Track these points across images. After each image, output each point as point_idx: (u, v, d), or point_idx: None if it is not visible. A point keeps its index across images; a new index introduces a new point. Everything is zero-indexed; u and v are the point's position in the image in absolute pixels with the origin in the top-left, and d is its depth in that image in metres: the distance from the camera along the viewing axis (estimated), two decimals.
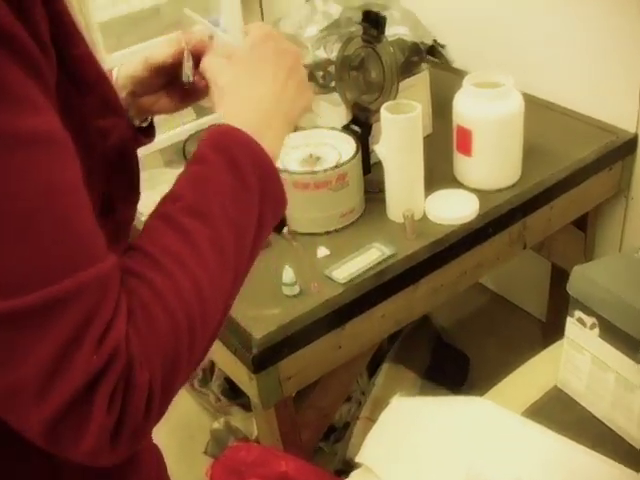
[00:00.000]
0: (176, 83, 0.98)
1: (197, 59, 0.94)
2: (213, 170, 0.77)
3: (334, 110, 1.71)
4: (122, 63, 0.98)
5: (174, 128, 1.85)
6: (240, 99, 0.86)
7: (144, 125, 1.01)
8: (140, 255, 0.70)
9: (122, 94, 0.96)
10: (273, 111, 0.87)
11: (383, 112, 1.50)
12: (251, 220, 0.78)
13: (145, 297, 0.66)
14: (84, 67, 0.71)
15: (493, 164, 1.66)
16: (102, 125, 0.74)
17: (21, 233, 0.58)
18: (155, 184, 1.75)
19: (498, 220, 1.64)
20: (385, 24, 1.54)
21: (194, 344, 0.69)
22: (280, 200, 0.83)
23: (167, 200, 0.76)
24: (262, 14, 2.88)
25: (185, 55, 0.94)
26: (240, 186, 0.77)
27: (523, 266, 2.31)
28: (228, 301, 0.76)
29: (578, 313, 1.23)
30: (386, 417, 1.31)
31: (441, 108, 1.88)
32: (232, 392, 2.21)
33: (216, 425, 2.16)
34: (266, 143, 0.82)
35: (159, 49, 0.97)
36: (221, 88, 0.87)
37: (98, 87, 0.74)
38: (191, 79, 0.95)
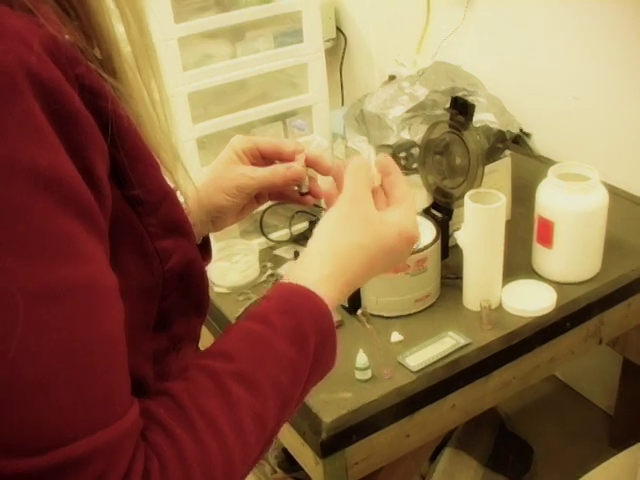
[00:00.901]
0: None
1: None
2: (276, 337, 0.73)
3: (414, 192, 1.71)
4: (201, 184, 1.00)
5: None
6: (344, 271, 0.82)
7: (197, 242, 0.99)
8: (175, 408, 0.65)
9: (201, 216, 0.97)
10: (359, 279, 0.85)
11: (467, 201, 1.49)
12: (299, 389, 0.75)
13: (168, 461, 0.62)
14: (147, 189, 0.69)
15: (573, 257, 1.64)
16: (162, 246, 0.71)
17: (34, 393, 0.55)
18: (230, 254, 1.77)
19: (575, 314, 1.61)
20: (473, 112, 1.54)
21: None
22: (330, 366, 0.81)
23: (217, 356, 0.72)
24: (342, 95, 2.93)
25: (307, 173, 0.98)
26: (300, 359, 0.74)
27: (593, 357, 2.27)
28: (253, 466, 0.73)
29: None
30: None
31: (520, 194, 1.88)
32: (289, 464, 2.19)
33: None
34: (335, 304, 0.80)
35: (248, 173, 0.98)
36: (330, 240, 0.84)
37: (161, 209, 0.71)
38: (307, 190, 0.97)
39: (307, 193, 1.00)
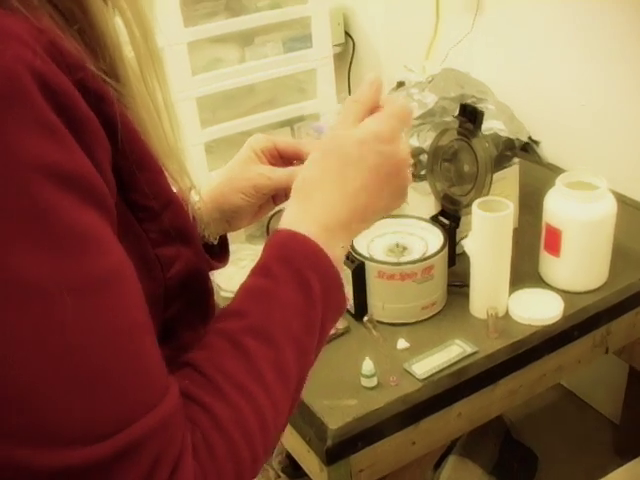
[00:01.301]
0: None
1: None
2: (279, 285, 0.74)
3: (422, 199, 1.71)
4: (211, 184, 1.00)
5: None
6: (322, 198, 0.80)
7: (214, 242, 0.99)
8: (200, 378, 0.67)
9: (215, 214, 0.96)
10: (356, 216, 0.81)
11: (475, 209, 1.49)
12: (314, 335, 0.76)
13: (207, 430, 0.64)
14: (149, 195, 0.69)
15: (581, 266, 1.63)
16: (164, 253, 0.72)
17: (92, 382, 0.57)
18: (237, 259, 1.76)
19: (582, 324, 1.61)
20: (482, 119, 1.54)
21: (255, 470, 0.68)
22: (341, 309, 0.81)
23: (230, 316, 0.73)
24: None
25: None
26: (306, 303, 0.74)
27: (599, 365, 2.26)
28: (287, 419, 0.74)
29: None
30: None
31: (528, 202, 1.87)
32: (293, 469, 2.18)
33: None
34: (337, 252, 0.79)
35: (266, 174, 0.97)
36: (305, 179, 0.82)
37: (164, 215, 0.71)
38: None
39: None
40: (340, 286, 0.79)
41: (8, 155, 0.54)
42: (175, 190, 0.75)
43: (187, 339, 0.77)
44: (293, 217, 0.80)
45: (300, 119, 1.85)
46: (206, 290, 0.80)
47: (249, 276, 0.77)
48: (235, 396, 0.66)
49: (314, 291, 0.75)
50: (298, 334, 0.73)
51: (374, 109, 0.85)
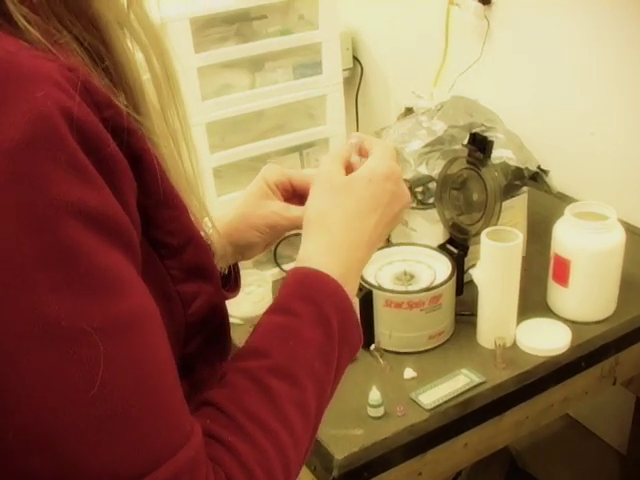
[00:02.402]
0: None
1: None
2: (301, 323, 0.75)
3: (431, 227, 1.71)
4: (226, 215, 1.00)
5: None
6: (343, 235, 0.83)
7: (224, 272, 0.99)
8: (222, 417, 0.67)
9: (225, 249, 0.96)
10: (371, 251, 0.85)
11: (484, 238, 1.49)
12: (332, 372, 0.76)
13: (231, 470, 0.64)
14: (170, 232, 0.70)
15: (589, 296, 1.63)
16: (185, 290, 0.72)
17: (118, 425, 0.57)
18: (243, 285, 1.76)
19: (590, 354, 1.60)
20: (492, 149, 1.54)
21: None
22: (357, 346, 0.81)
23: (251, 355, 0.73)
24: (357, 125, 2.93)
25: None
26: (326, 340, 0.75)
27: (606, 395, 2.25)
28: (307, 455, 0.74)
29: None
30: None
31: (536, 230, 1.87)
32: None
33: None
34: (350, 287, 0.80)
35: (282, 214, 0.97)
36: (319, 213, 0.85)
37: (185, 252, 0.72)
38: None
39: None
40: (356, 323, 0.80)
41: (37, 194, 0.55)
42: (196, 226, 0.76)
43: (205, 374, 0.77)
44: (312, 253, 0.81)
45: (309, 145, 1.85)
46: (224, 325, 0.81)
47: (268, 313, 0.77)
48: (258, 435, 0.66)
49: (333, 328, 0.76)
50: (319, 372, 0.74)
51: (363, 153, 0.92)
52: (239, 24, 1.73)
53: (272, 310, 0.77)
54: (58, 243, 0.55)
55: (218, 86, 1.73)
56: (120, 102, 0.64)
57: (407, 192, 0.89)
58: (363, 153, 0.92)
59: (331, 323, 0.75)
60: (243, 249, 1.01)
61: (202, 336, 0.76)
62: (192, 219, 0.74)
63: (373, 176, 0.86)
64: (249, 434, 0.66)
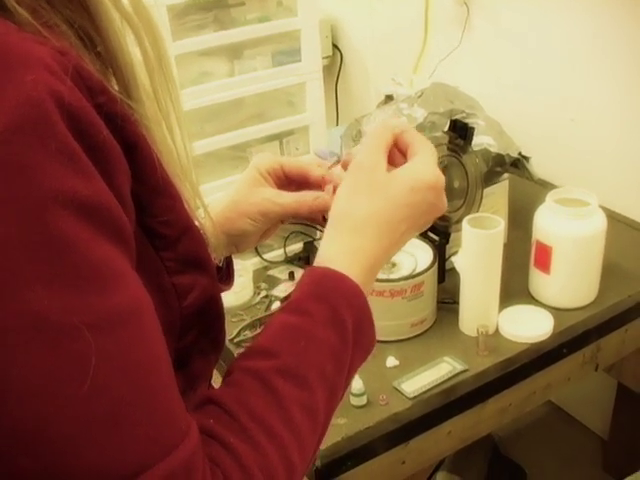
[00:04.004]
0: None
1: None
2: (315, 325, 0.72)
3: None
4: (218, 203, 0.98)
5: None
6: (371, 241, 0.79)
7: (219, 264, 0.97)
8: (225, 416, 0.66)
9: (221, 239, 0.94)
10: (386, 260, 0.83)
11: (465, 226, 1.49)
12: (344, 375, 0.74)
13: (229, 471, 0.62)
14: (165, 222, 0.68)
15: (571, 283, 1.63)
16: (180, 282, 0.70)
17: (112, 423, 0.55)
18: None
19: (572, 341, 1.60)
20: (473, 135, 1.53)
21: None
22: (370, 348, 0.79)
23: (260, 354, 0.71)
24: (337, 113, 2.92)
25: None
26: (340, 342, 0.73)
27: (588, 381, 2.26)
28: (313, 458, 0.73)
29: None
30: None
31: (518, 218, 1.87)
32: None
33: None
34: (369, 288, 0.78)
35: (274, 199, 0.95)
36: (348, 214, 0.81)
37: (180, 243, 0.70)
38: None
39: None
40: (372, 325, 0.77)
41: (26, 183, 0.53)
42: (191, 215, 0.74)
43: (199, 368, 0.75)
44: (333, 253, 0.79)
45: (289, 133, 1.84)
46: (220, 317, 0.78)
47: (280, 312, 0.75)
48: (261, 438, 0.65)
49: (347, 331, 0.73)
50: (330, 375, 0.72)
51: (400, 145, 0.86)
52: (217, 11, 1.71)
53: (284, 309, 0.75)
54: (49, 235, 0.53)
55: (196, 74, 1.72)
56: (113, 87, 0.62)
57: (444, 203, 0.84)
58: (400, 144, 0.86)
59: (346, 325, 0.73)
60: (236, 239, 0.98)
61: (197, 328, 0.73)
62: (187, 208, 0.72)
63: (416, 184, 0.80)
64: (252, 436, 0.64)
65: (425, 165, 0.82)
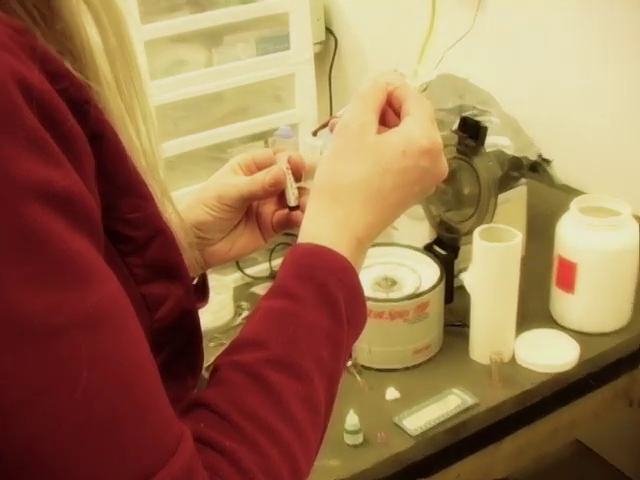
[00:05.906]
0: (253, 216, 0.99)
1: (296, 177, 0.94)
2: (303, 307, 0.74)
3: (415, 225, 1.71)
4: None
5: None
6: (358, 209, 0.80)
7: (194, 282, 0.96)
8: (216, 419, 0.66)
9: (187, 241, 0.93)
10: (377, 234, 0.83)
11: (476, 238, 1.50)
12: (341, 357, 0.76)
13: (229, 477, 0.63)
14: (133, 223, 0.68)
15: (598, 304, 1.64)
16: (151, 292, 0.70)
17: (103, 431, 0.56)
18: None
19: (601, 371, 1.62)
20: (485, 135, 1.55)
21: None
22: (363, 324, 0.81)
23: (247, 347, 0.72)
24: (331, 107, 2.93)
25: (288, 178, 0.95)
26: (333, 323, 0.74)
27: (620, 418, 2.27)
28: (317, 454, 0.74)
29: None
30: None
31: (537, 229, 1.88)
32: None
33: None
34: (360, 263, 0.80)
35: (230, 182, 0.97)
36: (333, 181, 0.82)
37: (150, 248, 0.70)
38: (297, 203, 0.95)
39: (296, 207, 0.96)
40: (363, 300, 0.79)
41: None
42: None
43: (174, 393, 0.75)
44: (316, 227, 0.80)
45: (275, 131, 1.85)
46: (196, 335, 0.78)
47: (264, 299, 0.76)
48: (259, 437, 0.66)
49: (340, 309, 0.75)
50: (326, 360, 0.73)
51: (394, 102, 0.86)
52: None
53: (267, 295, 0.76)
54: (23, 229, 0.54)
55: (169, 63, 1.73)
56: (75, 72, 0.63)
57: (444, 167, 0.85)
58: (394, 103, 0.86)
59: (338, 303, 0.74)
60: (196, 234, 0.97)
61: (171, 347, 0.73)
62: (160, 211, 0.72)
63: (408, 148, 0.81)
64: (248, 436, 0.65)
65: (419, 125, 0.83)
